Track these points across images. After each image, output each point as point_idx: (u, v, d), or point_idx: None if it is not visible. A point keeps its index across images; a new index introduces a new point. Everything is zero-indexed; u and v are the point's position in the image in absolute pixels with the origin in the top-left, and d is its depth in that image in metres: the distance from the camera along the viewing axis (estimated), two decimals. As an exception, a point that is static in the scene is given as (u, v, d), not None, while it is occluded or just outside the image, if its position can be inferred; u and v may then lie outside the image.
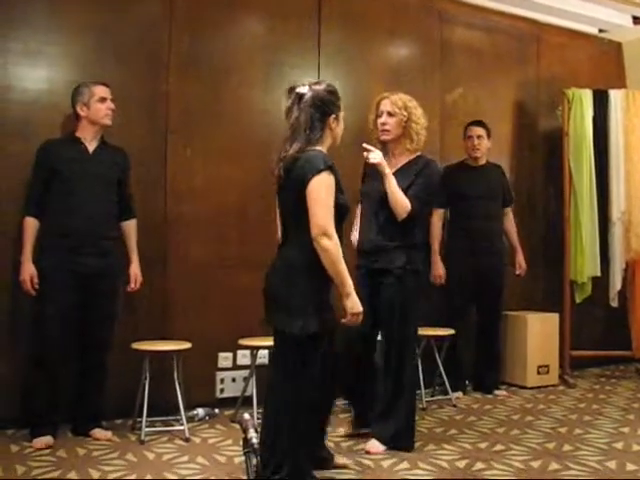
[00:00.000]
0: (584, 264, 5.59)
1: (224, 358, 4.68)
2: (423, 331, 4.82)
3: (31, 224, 3.85)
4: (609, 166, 5.68)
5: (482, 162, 5.28)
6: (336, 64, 5.12)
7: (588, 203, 5.59)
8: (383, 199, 3.78)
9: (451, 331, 4.93)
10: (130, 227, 4.16)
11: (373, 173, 3.85)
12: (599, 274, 5.65)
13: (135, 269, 4.13)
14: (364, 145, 3.88)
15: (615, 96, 5.74)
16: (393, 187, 3.75)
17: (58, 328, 3.80)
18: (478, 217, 5.10)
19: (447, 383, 4.92)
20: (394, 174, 3.81)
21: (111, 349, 4.00)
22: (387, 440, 3.79)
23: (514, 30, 6.00)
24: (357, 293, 3.05)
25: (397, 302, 3.78)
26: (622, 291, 5.81)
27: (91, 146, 3.97)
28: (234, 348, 4.57)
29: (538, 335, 5.40)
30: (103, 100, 3.97)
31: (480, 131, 5.22)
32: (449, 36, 5.64)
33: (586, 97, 5.69)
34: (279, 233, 3.26)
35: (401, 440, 3.79)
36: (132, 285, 4.12)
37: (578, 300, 5.72)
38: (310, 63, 5.01)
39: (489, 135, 5.24)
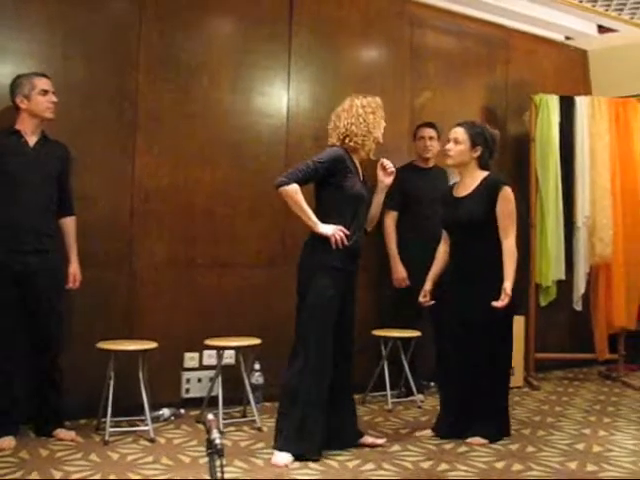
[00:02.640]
0: (549, 268, 5.66)
1: (190, 358, 4.66)
2: (389, 333, 4.89)
3: None
4: (575, 172, 5.75)
5: (431, 164, 5.29)
6: (307, 67, 5.14)
7: (554, 208, 5.67)
8: (367, 205, 3.94)
9: (417, 333, 4.95)
10: (69, 224, 4.01)
11: (353, 175, 3.84)
12: (564, 278, 5.72)
13: (74, 268, 4.00)
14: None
15: (581, 102, 5.82)
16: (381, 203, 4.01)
17: None
18: (432, 219, 4.88)
19: (413, 385, 4.94)
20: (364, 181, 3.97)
21: (63, 349, 3.93)
22: None
23: (483, 35, 6.06)
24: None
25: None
26: (586, 295, 5.89)
27: (31, 140, 3.85)
28: (200, 348, 4.55)
29: (503, 337, 5.45)
30: (45, 93, 3.84)
31: (432, 132, 5.23)
32: (419, 40, 5.68)
33: (553, 103, 5.76)
34: None
35: None
36: (71, 284, 4.00)
37: (543, 303, 5.80)
38: (281, 65, 5.03)
39: (439, 137, 5.23)
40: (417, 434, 4.19)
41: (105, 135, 4.39)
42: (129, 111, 4.47)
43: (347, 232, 3.71)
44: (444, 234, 4.32)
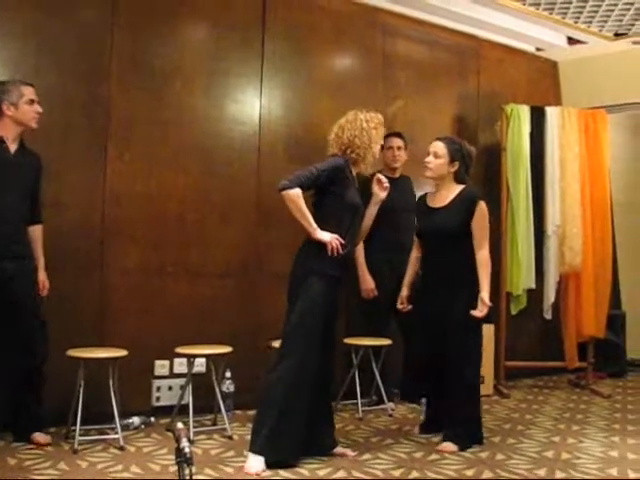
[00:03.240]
0: (520, 276, 5.72)
1: (161, 366, 4.66)
2: (360, 341, 4.92)
3: None
4: (545, 181, 5.84)
5: (398, 174, 5.33)
6: (279, 74, 5.17)
7: (524, 216, 5.74)
8: (361, 217, 4.03)
9: (388, 341, 4.98)
10: (37, 232, 4.01)
11: (351, 186, 3.93)
12: (534, 286, 5.80)
13: (42, 275, 4.01)
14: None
15: (551, 113, 5.91)
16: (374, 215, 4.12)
17: None
18: (400, 229, 5.07)
19: (384, 393, 4.98)
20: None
21: (48, 354, 3.93)
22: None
23: (455, 45, 6.14)
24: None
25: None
26: (556, 303, 5.95)
27: (12, 147, 3.86)
28: (171, 356, 4.54)
29: (474, 346, 5.49)
30: (31, 102, 3.87)
31: (399, 142, 5.28)
32: (391, 49, 5.74)
33: (524, 113, 5.84)
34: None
35: None
36: (40, 292, 4.01)
37: (513, 312, 5.87)
38: (253, 72, 5.05)
39: (406, 147, 5.30)
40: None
41: (77, 142, 4.38)
42: (101, 118, 4.47)
43: (342, 241, 3.79)
44: (416, 242, 4.48)
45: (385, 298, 5.01)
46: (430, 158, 4.29)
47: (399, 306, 4.46)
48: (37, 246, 4.01)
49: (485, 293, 4.05)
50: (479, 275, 4.09)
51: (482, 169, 6.01)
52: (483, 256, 4.11)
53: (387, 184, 4.06)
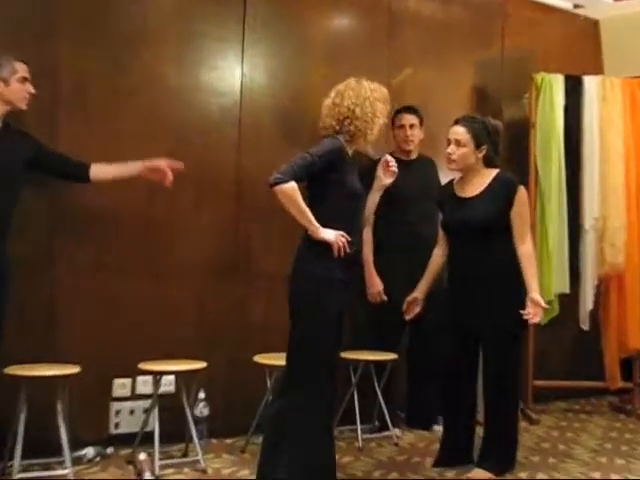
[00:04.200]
0: (551, 279, 5.68)
1: (120, 385, 4.63)
2: (359, 355, 4.92)
3: None
4: (582, 165, 5.82)
5: (414, 156, 5.36)
6: (265, 38, 5.16)
7: (557, 207, 5.72)
8: (363, 206, 4.06)
9: (393, 356, 4.99)
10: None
11: (352, 170, 3.95)
12: (568, 291, 5.76)
13: None
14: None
15: (590, 83, 5.88)
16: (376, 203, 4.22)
17: None
18: (414, 221, 5.14)
19: (388, 417, 4.96)
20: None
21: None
22: None
23: (476, 2, 6.11)
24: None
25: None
26: (595, 311, 5.92)
27: None
28: (133, 373, 4.52)
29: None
30: (24, 80, 3.98)
31: (413, 119, 5.28)
32: (399, 6, 5.72)
33: (557, 83, 5.82)
34: None
35: None
36: None
37: (543, 321, 5.67)
38: (234, 36, 5.05)
39: (422, 124, 5.32)
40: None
41: (20, 114, 4.31)
42: (49, 86, 4.41)
43: (349, 238, 3.79)
44: (441, 237, 4.55)
45: (395, 306, 4.85)
46: (452, 148, 4.31)
47: (406, 308, 4.53)
48: None
49: (535, 293, 4.12)
50: (524, 273, 4.16)
51: (506, 150, 5.81)
52: (527, 250, 4.19)
53: (395, 167, 4.08)
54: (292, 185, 3.67)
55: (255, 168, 4.92)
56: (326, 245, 3.73)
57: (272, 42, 5.19)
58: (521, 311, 4.08)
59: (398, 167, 5.11)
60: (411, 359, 5.38)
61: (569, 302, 5.84)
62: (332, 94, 3.95)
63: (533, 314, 4.09)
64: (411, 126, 5.27)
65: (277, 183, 3.67)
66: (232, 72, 5.05)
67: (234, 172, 5.02)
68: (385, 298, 5.10)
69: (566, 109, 5.82)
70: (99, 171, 4.22)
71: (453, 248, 4.42)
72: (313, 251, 3.79)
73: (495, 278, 4.21)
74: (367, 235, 5.02)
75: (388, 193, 4.89)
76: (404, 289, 4.72)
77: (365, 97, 3.88)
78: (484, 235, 4.22)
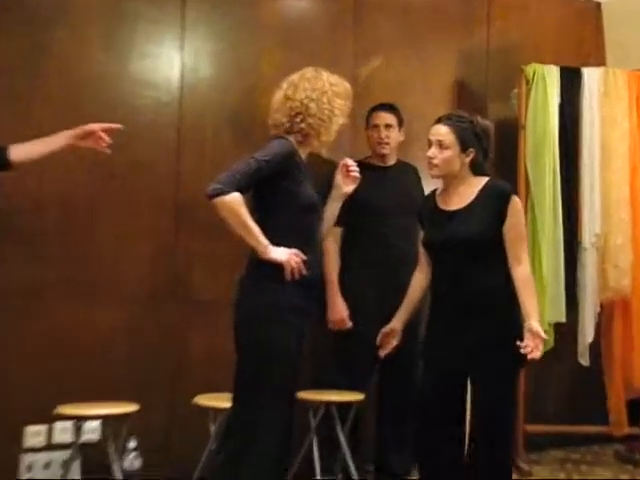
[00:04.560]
0: (544, 306, 5.60)
1: (34, 434, 4.63)
2: (319, 395, 4.94)
3: None
4: (580, 172, 5.86)
5: (391, 161, 5.38)
6: (210, 21, 5.24)
7: (551, 222, 5.72)
8: (320, 219, 4.11)
9: (359, 396, 4.99)
10: None
11: (306, 177, 3.96)
12: (564, 320, 5.77)
13: None
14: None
15: (590, 76, 5.93)
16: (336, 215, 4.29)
17: None
18: (389, 236, 5.14)
19: (353, 469, 4.95)
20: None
21: None
22: None
23: (457, -19, 6.18)
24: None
25: None
26: (596, 343, 5.93)
27: None
28: (49, 419, 4.49)
29: (480, 403, 5.50)
30: None
31: (389, 118, 5.28)
32: (367, -16, 5.76)
33: (551, 76, 5.87)
34: None
35: None
36: None
37: None
38: (171, 16, 5.11)
39: (401, 124, 5.33)
40: None
41: None
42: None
43: (304, 257, 3.80)
44: (422, 257, 4.44)
45: (365, 335, 4.81)
46: (433, 151, 4.21)
47: (380, 340, 4.41)
48: None
49: (535, 322, 4.00)
50: (521, 299, 4.08)
51: (492, 155, 6.01)
52: (523, 272, 4.13)
53: (356, 173, 4.12)
54: (235, 196, 3.64)
55: (198, 176, 4.87)
56: (278, 267, 3.72)
57: (218, 26, 5.24)
58: (518, 343, 3.92)
59: (372, 176, 5.14)
60: (382, 397, 5.37)
61: (565, 333, 5.85)
62: (284, 85, 4.00)
63: (532, 347, 3.92)
64: (387, 126, 5.27)
65: (217, 194, 3.64)
66: (169, 60, 5.10)
67: (172, 182, 5.06)
68: (350, 325, 5.13)
69: (562, 107, 5.87)
70: (21, 152, 4.03)
71: (436, 270, 4.33)
72: (262, 274, 3.79)
73: (486, 305, 4.14)
74: (331, 249, 5.11)
75: (359, 204, 4.93)
76: (374, 316, 4.75)
77: (323, 91, 3.92)
78: (472, 255, 4.14)
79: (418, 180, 5.43)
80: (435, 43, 6.08)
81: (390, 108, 5.33)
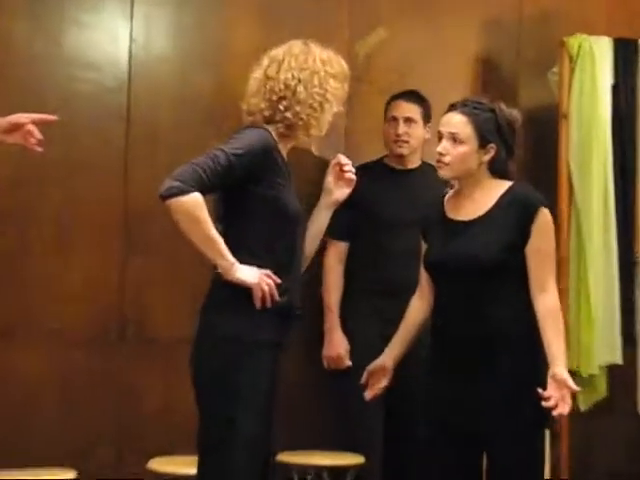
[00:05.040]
0: (593, 344, 5.64)
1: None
2: (308, 458, 4.97)
3: None
4: (638, 171, 5.89)
5: (413, 164, 5.42)
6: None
7: (600, 237, 5.70)
8: (304, 232, 4.08)
9: (359, 459, 5.00)
10: None
11: (288, 178, 3.94)
12: (620, 361, 5.75)
13: None
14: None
15: (653, 50, 5.94)
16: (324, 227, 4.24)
17: None
18: (403, 260, 5.05)
19: None
20: None
21: None
22: None
23: None
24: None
25: None
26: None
27: None
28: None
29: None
30: None
31: (411, 110, 5.31)
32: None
33: (602, 51, 5.87)
34: None
35: None
36: None
37: (583, 407, 5.76)
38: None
39: (427, 118, 5.33)
40: None
41: None
42: None
43: (278, 280, 3.74)
44: (423, 282, 4.40)
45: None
46: (445, 146, 4.16)
47: (365, 380, 4.37)
48: None
49: (561, 367, 3.89)
50: (545, 337, 3.96)
51: (522, 152, 5.80)
52: (550, 304, 4.02)
53: (352, 174, 4.09)
54: (195, 197, 3.54)
55: (151, 182, 4.52)
56: (246, 291, 3.68)
57: None
58: (541, 392, 3.78)
59: (385, 180, 5.23)
60: (387, 458, 5.30)
61: (622, 378, 5.85)
62: (265, 62, 3.92)
63: (558, 400, 3.80)
64: (407, 120, 5.28)
65: (172, 194, 3.53)
66: (114, 34, 5.15)
67: (119, 188, 5.09)
68: (348, 364, 5.17)
69: (615, 89, 5.87)
70: None
71: (439, 298, 4.24)
72: (225, 299, 3.78)
73: (499, 345, 4.02)
74: (332, 269, 5.21)
75: (369, 215, 5.08)
76: (379, 354, 4.60)
77: (313, 70, 3.85)
78: (484, 280, 4.04)
79: (445, 184, 5.30)
80: (452, 10, 6.02)
81: (415, 97, 5.34)
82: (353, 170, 4.09)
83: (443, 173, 4.21)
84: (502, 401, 3.96)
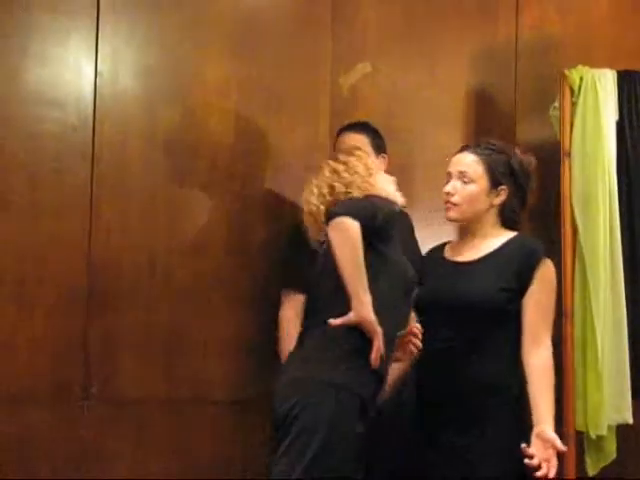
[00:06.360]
0: (602, 402, 5.57)
1: None
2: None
3: None
4: (649, 215, 5.85)
5: None
6: (135, 13, 5.21)
7: (607, 287, 5.63)
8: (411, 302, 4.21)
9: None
10: None
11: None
12: (630, 420, 5.67)
13: None
14: None
15: (660, 83, 5.94)
16: None
17: None
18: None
19: None
20: None
21: None
22: None
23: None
24: None
25: None
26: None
27: None
28: None
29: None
30: None
31: (357, 140, 5.16)
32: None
33: (605, 84, 5.79)
34: None
35: None
36: None
37: (592, 471, 5.71)
38: (80, 5, 5.05)
39: (380, 149, 5.23)
40: None
41: None
42: None
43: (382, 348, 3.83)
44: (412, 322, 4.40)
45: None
46: (455, 184, 4.30)
47: None
48: None
49: (547, 426, 3.96)
50: (532, 394, 4.03)
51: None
52: (542, 359, 4.10)
53: (415, 348, 4.16)
54: (357, 225, 3.74)
55: (120, 230, 4.91)
56: (358, 339, 3.78)
57: (146, 20, 5.23)
58: (525, 449, 3.82)
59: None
60: None
61: (633, 437, 5.81)
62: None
63: (542, 460, 3.83)
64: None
65: (338, 214, 3.78)
66: (78, 68, 5.05)
67: (84, 237, 4.97)
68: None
69: (620, 125, 5.82)
70: None
71: (427, 343, 4.22)
72: (336, 344, 3.85)
73: (488, 399, 4.14)
74: (285, 328, 5.09)
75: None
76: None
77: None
78: (478, 325, 4.15)
79: (410, 227, 5.33)
80: (444, 41, 6.04)
81: (361, 127, 5.27)
82: (420, 344, 4.16)
83: (451, 215, 4.32)
84: (490, 454, 4.05)
